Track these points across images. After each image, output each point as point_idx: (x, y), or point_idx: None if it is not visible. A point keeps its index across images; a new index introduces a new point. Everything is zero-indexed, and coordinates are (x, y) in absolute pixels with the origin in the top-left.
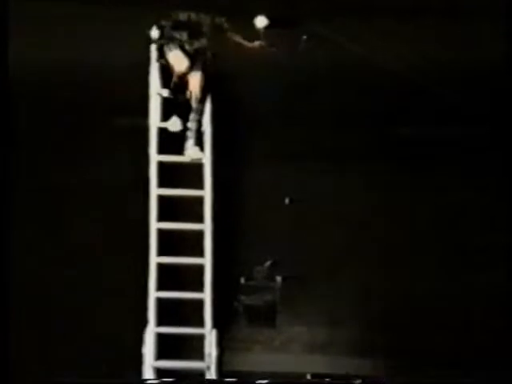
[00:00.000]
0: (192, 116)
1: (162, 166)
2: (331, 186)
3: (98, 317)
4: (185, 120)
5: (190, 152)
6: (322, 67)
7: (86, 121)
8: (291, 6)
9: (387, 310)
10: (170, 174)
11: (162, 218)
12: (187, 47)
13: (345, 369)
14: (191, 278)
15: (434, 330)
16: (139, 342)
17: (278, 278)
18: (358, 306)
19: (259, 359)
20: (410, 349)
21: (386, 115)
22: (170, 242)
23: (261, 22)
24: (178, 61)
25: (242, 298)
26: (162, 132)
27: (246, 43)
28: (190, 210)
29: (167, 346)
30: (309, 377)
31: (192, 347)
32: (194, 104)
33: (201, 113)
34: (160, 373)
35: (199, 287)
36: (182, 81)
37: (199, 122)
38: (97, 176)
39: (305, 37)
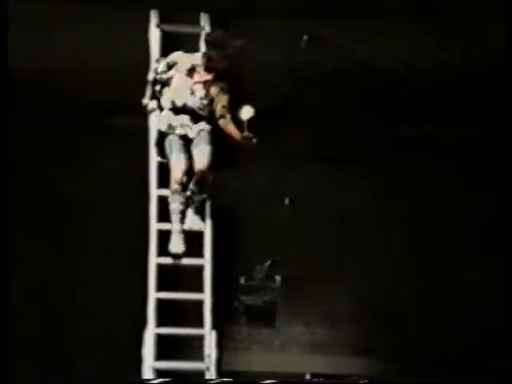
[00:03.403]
0: (194, 187)
1: (161, 166)
2: (331, 185)
3: (98, 317)
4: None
5: (190, 223)
6: (323, 67)
7: (86, 121)
8: (291, 5)
9: (387, 310)
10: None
11: (161, 218)
12: (190, 133)
13: (345, 369)
14: (191, 278)
15: (434, 330)
16: (139, 342)
17: (278, 278)
18: (358, 306)
19: (259, 359)
20: (410, 349)
21: (385, 115)
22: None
23: (246, 113)
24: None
25: (242, 298)
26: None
27: (235, 134)
28: None
29: (167, 347)
30: (308, 377)
31: (192, 348)
32: (198, 175)
33: (204, 185)
34: (160, 373)
35: (199, 287)
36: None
37: (201, 192)
38: (96, 176)
39: (306, 37)
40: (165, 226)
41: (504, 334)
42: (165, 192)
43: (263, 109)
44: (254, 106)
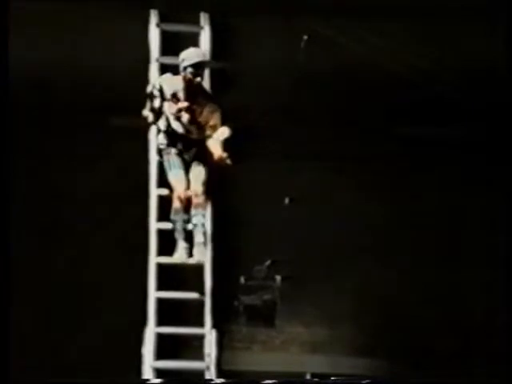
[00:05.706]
0: (193, 212)
1: (161, 166)
2: (331, 185)
3: (98, 317)
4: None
5: (196, 256)
6: (322, 67)
7: (86, 121)
8: (291, 5)
9: (387, 310)
10: None
11: (161, 218)
12: (186, 156)
13: (345, 369)
14: (191, 277)
15: (434, 330)
16: (139, 341)
17: (278, 278)
18: (358, 305)
19: (259, 359)
20: (410, 349)
21: (386, 115)
22: (169, 242)
23: (222, 134)
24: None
25: (242, 297)
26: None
27: (215, 153)
28: None
29: (167, 346)
30: (308, 377)
31: (192, 347)
32: (195, 199)
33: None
34: (160, 373)
35: (199, 287)
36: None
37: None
38: (96, 176)
39: (305, 37)
40: (165, 225)
41: (505, 334)
42: (164, 192)
43: (263, 109)
44: (230, 126)
